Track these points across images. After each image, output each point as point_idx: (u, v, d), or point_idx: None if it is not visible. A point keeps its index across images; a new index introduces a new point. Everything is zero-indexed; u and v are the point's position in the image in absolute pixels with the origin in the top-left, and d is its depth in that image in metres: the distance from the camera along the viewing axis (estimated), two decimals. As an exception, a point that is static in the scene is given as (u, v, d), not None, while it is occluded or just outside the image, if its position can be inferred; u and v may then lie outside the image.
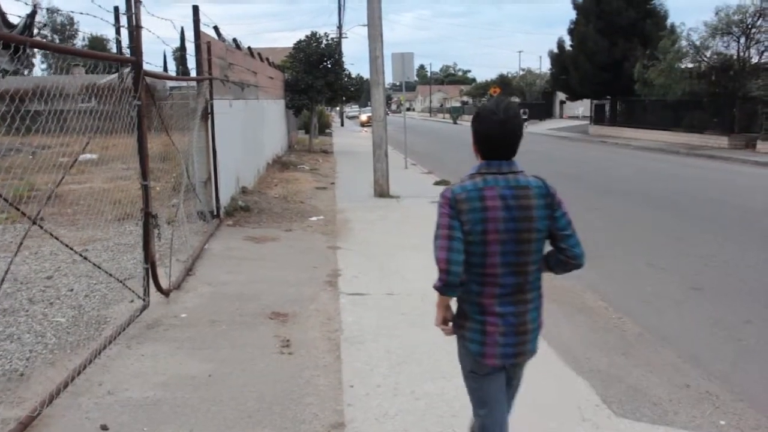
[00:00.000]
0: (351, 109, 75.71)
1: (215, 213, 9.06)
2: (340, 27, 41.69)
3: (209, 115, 8.69)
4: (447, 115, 71.93)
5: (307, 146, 24.62)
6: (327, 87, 21.64)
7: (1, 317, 5.15)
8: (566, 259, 2.46)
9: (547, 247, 2.50)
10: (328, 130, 40.51)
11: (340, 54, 22.86)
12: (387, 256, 7.57)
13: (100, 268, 5.36)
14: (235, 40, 12.16)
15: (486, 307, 2.41)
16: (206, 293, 6.11)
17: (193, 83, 8.72)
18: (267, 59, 17.05)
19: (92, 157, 14.29)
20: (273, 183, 14.16)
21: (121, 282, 5.54)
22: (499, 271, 2.37)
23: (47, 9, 61.25)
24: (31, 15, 3.41)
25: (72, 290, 5.89)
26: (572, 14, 34.44)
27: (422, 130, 43.29)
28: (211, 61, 8.62)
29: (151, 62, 6.27)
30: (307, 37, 21.48)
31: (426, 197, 11.68)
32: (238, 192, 11.26)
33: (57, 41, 62.24)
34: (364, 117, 48.79)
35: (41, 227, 4.30)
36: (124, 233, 8.25)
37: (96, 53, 5.14)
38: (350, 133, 41.47)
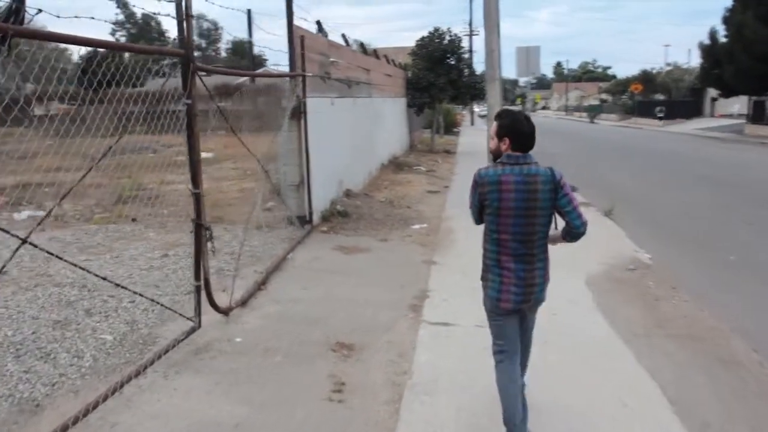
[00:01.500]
0: (482, 108, 73.97)
1: (308, 218, 8.47)
2: (470, 23, 40.42)
3: (302, 114, 8.11)
4: (584, 114, 67.90)
5: (429, 146, 23.81)
6: (450, 85, 20.67)
7: (50, 330, 4.81)
8: (569, 229, 3.15)
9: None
10: (456, 129, 39.45)
11: (469, 51, 21.78)
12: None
13: (133, 291, 4.86)
14: (343, 35, 11.61)
15: (502, 263, 3.14)
16: (272, 313, 5.45)
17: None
18: (385, 56, 16.45)
19: (208, 155, 14.51)
20: (383, 185, 13.48)
21: (156, 302, 4.99)
22: (510, 237, 3.10)
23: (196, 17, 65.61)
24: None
25: (133, 302, 5.48)
26: (727, 2, 30.63)
27: (554, 129, 40.90)
28: (305, 56, 8.04)
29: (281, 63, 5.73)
30: (430, 33, 20.65)
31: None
32: (341, 195, 10.66)
33: (204, 45, 66.71)
34: (494, 116, 47.06)
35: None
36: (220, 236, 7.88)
37: (141, 47, 4.64)
38: (479, 133, 40.08)
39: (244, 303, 5.58)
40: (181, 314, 4.81)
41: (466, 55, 21.64)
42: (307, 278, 6.49)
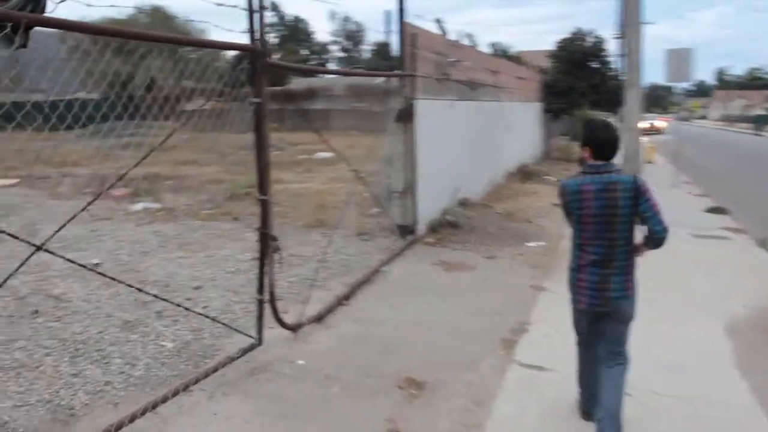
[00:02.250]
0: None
1: (411, 228, 7.92)
2: (621, 25, 37.66)
3: (410, 117, 7.57)
4: (748, 125, 60.86)
5: (565, 154, 22.31)
6: (591, 89, 19.16)
7: (116, 331, 4.66)
8: (649, 235, 3.18)
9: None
10: (598, 138, 36.96)
11: (621, 55, 20.10)
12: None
13: (184, 307, 4.55)
14: (468, 35, 10.93)
15: (582, 267, 3.28)
16: (347, 334, 4.95)
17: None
18: (518, 58, 15.50)
19: (327, 155, 14.45)
20: (505, 195, 12.59)
21: (209, 317, 4.65)
22: (591, 243, 3.23)
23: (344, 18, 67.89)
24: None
25: (206, 307, 5.24)
26: None
27: (710, 141, 36.93)
28: (417, 55, 7.49)
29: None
30: (571, 34, 19.29)
31: (687, 227, 9.03)
32: (455, 204, 9.99)
33: (349, 47, 68.65)
34: (643, 124, 43.75)
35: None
36: (304, 243, 7.59)
37: (208, 41, 4.32)
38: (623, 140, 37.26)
39: (320, 319, 5.14)
40: (237, 330, 4.45)
41: (611, 59, 19.94)
42: (396, 295, 5.93)
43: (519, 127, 16.32)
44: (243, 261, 6.66)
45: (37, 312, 4.91)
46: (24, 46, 2.63)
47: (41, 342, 4.39)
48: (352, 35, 70.51)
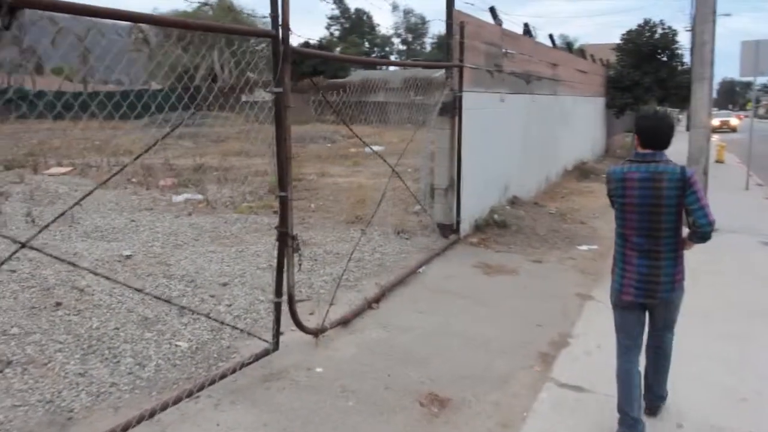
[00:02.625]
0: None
1: (454, 227, 7.54)
2: (694, 16, 35.72)
3: (456, 110, 7.19)
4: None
5: (629, 151, 21.29)
6: (657, 84, 18.13)
7: (134, 328, 4.52)
8: (694, 228, 3.10)
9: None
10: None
11: (691, 47, 18.98)
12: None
13: (195, 312, 4.34)
14: (526, 25, 10.39)
15: (626, 257, 3.23)
16: (371, 340, 4.66)
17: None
18: (581, 51, 14.79)
19: (379, 149, 14.17)
20: (560, 194, 12.00)
21: (216, 321, 4.43)
22: (634, 233, 3.17)
23: (404, 11, 67.37)
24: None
25: (231, 305, 5.05)
26: None
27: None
28: (465, 45, 7.08)
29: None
30: (639, 26, 18.29)
31: (758, 234, 8.25)
32: (505, 203, 9.54)
33: (410, 39, 68.16)
34: (715, 121, 41.46)
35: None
36: (341, 240, 7.34)
37: (229, 26, 4.08)
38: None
39: (346, 323, 4.87)
40: (251, 333, 4.22)
41: (681, 53, 18.81)
42: (429, 300, 5.60)
43: (579, 123, 15.59)
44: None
45: (59, 304, 4.84)
46: (7, 27, 2.44)
47: (56, 336, 4.30)
48: (414, 28, 70.04)
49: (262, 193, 9.88)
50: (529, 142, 10.80)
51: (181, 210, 8.76)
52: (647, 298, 3.18)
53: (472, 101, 7.57)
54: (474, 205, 8.08)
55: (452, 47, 7.04)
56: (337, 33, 67.04)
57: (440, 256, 6.96)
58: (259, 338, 4.14)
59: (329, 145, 17.45)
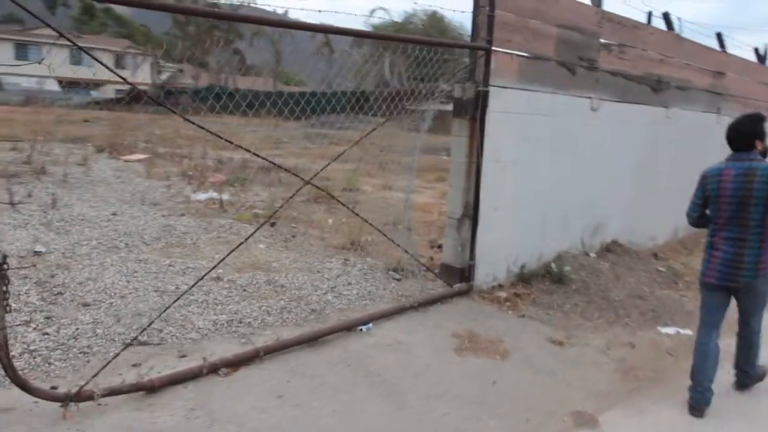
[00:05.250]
0: None
1: (466, 273, 5.46)
2: None
3: (477, 111, 5.14)
4: None
5: None
6: None
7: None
8: None
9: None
10: None
11: None
12: None
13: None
14: (649, 13, 7.74)
15: (715, 244, 3.67)
16: (152, 430, 2.99)
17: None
18: (756, 52, 11.27)
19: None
20: (698, 247, 8.92)
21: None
22: (725, 222, 3.60)
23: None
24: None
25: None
26: None
27: None
28: (494, 20, 4.99)
29: None
30: None
31: None
32: (591, 248, 7.06)
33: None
34: None
35: None
36: (309, 269, 5.69)
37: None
38: None
39: (151, 389, 3.27)
40: None
41: None
42: (322, 378, 3.74)
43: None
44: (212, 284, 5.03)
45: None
46: None
47: None
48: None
49: (298, 200, 8.54)
50: (654, 171, 8.07)
51: (188, 208, 7.74)
52: (729, 281, 3.61)
53: (514, 101, 5.44)
54: (514, 244, 5.88)
55: (478, 22, 5.01)
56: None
57: (416, 310, 4.92)
58: None
59: (445, 157, 15.68)
